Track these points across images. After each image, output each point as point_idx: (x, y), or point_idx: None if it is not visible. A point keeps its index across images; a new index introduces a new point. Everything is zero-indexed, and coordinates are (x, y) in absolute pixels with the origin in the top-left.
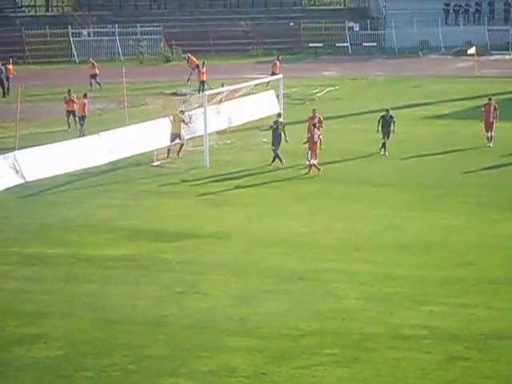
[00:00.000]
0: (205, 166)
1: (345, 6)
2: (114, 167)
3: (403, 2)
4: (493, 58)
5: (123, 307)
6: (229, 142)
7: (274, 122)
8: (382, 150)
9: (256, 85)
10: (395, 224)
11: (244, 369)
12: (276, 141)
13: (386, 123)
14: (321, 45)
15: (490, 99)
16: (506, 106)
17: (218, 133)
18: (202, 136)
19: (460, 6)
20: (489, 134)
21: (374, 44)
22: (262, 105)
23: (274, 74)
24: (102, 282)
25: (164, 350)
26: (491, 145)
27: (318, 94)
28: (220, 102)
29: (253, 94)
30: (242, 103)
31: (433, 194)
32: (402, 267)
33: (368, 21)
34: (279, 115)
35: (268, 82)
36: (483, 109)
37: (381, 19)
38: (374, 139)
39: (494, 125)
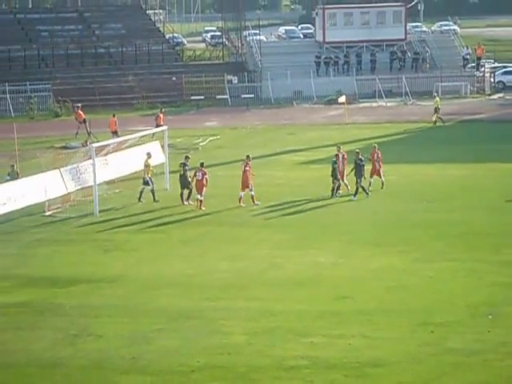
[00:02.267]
0: (95, 215)
1: (223, 60)
2: (7, 218)
3: (277, 55)
4: (361, 105)
5: (20, 351)
6: (117, 191)
7: (182, 164)
8: None
9: (142, 136)
10: (276, 263)
11: None
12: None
13: None
14: (202, 97)
15: (338, 148)
16: None
17: (107, 183)
18: (91, 186)
19: (330, 58)
20: (342, 182)
21: (252, 95)
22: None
23: (158, 125)
24: None
25: None
26: (339, 193)
27: (201, 144)
28: (107, 153)
29: (139, 145)
30: (129, 154)
31: (309, 234)
32: (282, 303)
33: (245, 74)
34: (187, 158)
35: (153, 134)
36: (334, 159)
37: (257, 72)
38: (256, 184)
39: (345, 174)
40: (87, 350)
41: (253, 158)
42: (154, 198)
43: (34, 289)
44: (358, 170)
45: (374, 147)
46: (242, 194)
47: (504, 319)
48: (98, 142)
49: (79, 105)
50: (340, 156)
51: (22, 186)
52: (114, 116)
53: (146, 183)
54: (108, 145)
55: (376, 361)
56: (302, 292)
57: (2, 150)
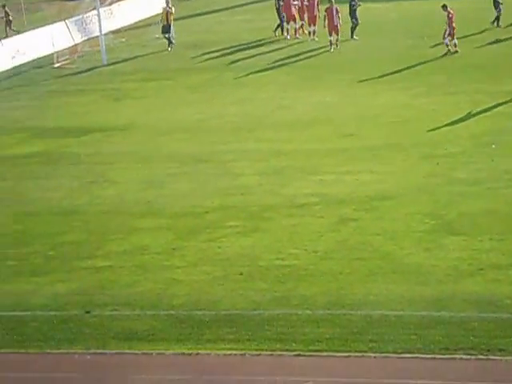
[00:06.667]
0: (103, 65)
1: None
2: (17, 71)
3: None
4: None
5: (39, 200)
6: (123, 40)
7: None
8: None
9: None
10: (283, 104)
11: (155, 246)
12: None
13: None
14: None
15: (330, 2)
16: None
17: (113, 32)
18: (97, 37)
19: None
20: (332, 37)
21: None
22: (151, 3)
23: None
24: (16, 178)
25: (80, 235)
26: (336, 47)
27: None
28: (111, 3)
29: None
30: (133, 3)
31: (314, 75)
32: (291, 143)
33: None
34: None
35: None
36: (325, 13)
37: None
38: (258, 28)
39: (339, 28)
40: (104, 196)
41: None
42: (170, 45)
43: (48, 139)
44: (352, 11)
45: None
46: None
47: (507, 148)
48: None
49: None
50: (333, 10)
51: (29, 39)
52: None
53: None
54: None
55: (384, 194)
56: (310, 131)
57: (7, 3)
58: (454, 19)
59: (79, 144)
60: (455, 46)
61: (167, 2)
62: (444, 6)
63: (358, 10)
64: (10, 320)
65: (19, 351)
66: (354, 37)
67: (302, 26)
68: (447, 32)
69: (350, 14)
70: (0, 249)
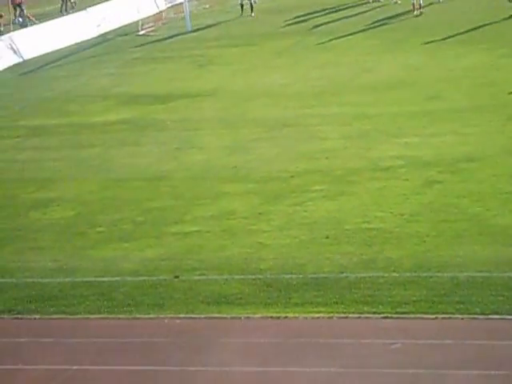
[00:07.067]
0: (187, 31)
1: None
2: (103, 39)
3: None
4: None
5: (126, 166)
6: (207, 6)
7: None
8: None
9: None
10: (366, 67)
11: (242, 211)
12: None
13: None
14: None
15: None
16: None
17: None
18: (181, 3)
19: None
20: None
21: None
22: None
23: None
24: (104, 145)
25: (168, 201)
26: (419, 9)
27: None
28: None
29: None
30: None
31: (398, 37)
32: (375, 106)
33: None
34: None
35: None
36: None
37: None
38: None
39: None
40: (190, 161)
41: None
42: (252, 11)
43: (135, 106)
44: None
45: None
46: None
47: None
48: None
49: None
50: None
51: (114, 7)
52: None
53: None
54: None
55: (469, 156)
56: (394, 94)
57: None
58: None
59: (165, 110)
60: None
61: None
62: None
63: None
64: (101, 286)
65: (109, 316)
66: None
67: None
68: None
69: None
70: (90, 215)
